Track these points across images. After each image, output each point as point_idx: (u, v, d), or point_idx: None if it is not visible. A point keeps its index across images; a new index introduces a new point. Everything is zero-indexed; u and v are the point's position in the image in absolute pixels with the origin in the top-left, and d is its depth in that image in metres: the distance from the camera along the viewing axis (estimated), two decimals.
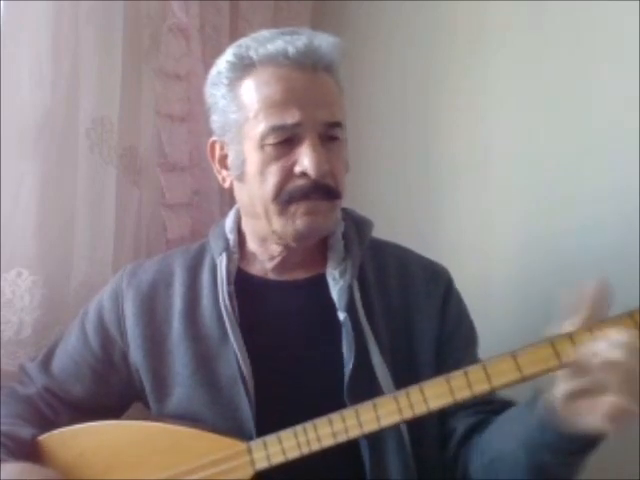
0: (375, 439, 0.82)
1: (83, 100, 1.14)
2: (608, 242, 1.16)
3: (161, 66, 1.26)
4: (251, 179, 0.85)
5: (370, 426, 0.72)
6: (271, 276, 0.93)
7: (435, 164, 1.42)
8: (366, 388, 0.81)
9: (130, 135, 1.23)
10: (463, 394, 0.69)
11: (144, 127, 1.26)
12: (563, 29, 1.23)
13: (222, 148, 0.91)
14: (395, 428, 0.82)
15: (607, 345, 0.63)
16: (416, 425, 0.83)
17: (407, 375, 0.85)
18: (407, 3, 1.45)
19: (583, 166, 1.20)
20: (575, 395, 0.65)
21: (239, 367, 0.84)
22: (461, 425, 0.87)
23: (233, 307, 0.88)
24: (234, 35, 1.36)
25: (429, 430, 0.87)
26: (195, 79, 1.29)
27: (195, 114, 1.30)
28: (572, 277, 1.21)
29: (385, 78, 1.50)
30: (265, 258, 0.92)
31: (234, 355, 0.85)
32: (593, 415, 0.63)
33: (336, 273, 0.89)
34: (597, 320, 0.66)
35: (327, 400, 0.79)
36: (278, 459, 0.76)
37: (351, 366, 0.83)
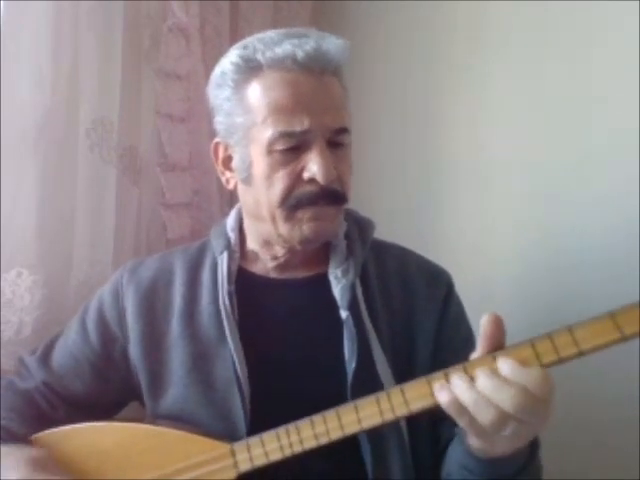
0: (376, 439, 0.82)
1: (83, 100, 1.14)
2: (609, 244, 1.16)
3: (161, 66, 1.26)
4: (258, 183, 0.85)
5: (351, 428, 0.72)
6: (272, 274, 0.93)
7: (435, 165, 1.42)
8: (369, 387, 0.80)
9: (130, 135, 1.23)
10: None
11: (144, 127, 1.26)
12: (563, 29, 1.23)
13: (226, 150, 0.90)
14: (396, 427, 0.82)
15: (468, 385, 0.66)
16: (414, 424, 0.84)
17: (406, 377, 0.85)
18: (407, 3, 1.45)
19: (583, 167, 1.20)
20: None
21: (235, 369, 0.84)
22: (445, 434, 0.87)
23: (233, 307, 0.88)
24: (234, 35, 1.37)
25: (425, 429, 0.87)
26: (195, 79, 1.29)
27: (195, 114, 1.30)
28: (573, 279, 1.21)
29: (385, 78, 1.50)
30: (267, 258, 0.92)
31: (231, 356, 0.85)
32: None
33: (338, 272, 0.88)
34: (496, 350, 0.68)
35: (327, 399, 0.79)
36: (261, 461, 0.76)
37: (354, 365, 0.83)
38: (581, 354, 0.65)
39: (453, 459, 0.80)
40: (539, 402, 0.64)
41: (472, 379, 0.66)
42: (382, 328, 0.88)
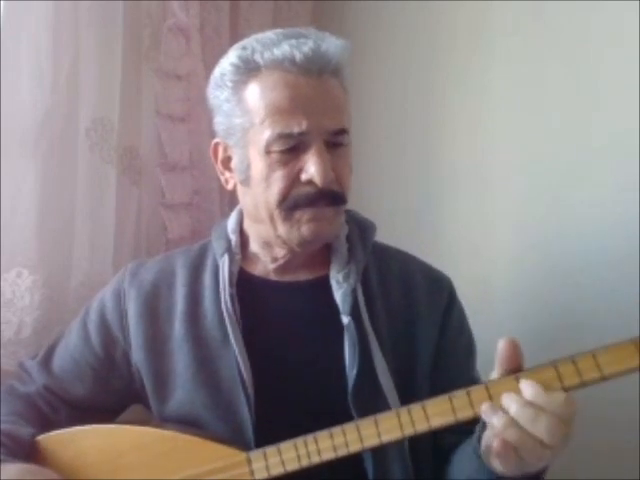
0: (377, 448, 0.82)
1: (83, 100, 1.14)
2: (608, 245, 1.17)
3: (161, 66, 1.26)
4: (256, 184, 0.85)
5: (371, 441, 0.72)
6: (273, 277, 0.93)
7: (435, 165, 1.42)
8: (369, 392, 0.81)
9: (130, 135, 1.23)
10: (465, 413, 0.69)
11: (144, 127, 1.26)
12: (563, 31, 1.23)
13: (226, 150, 0.90)
14: None
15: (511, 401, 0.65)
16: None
17: (406, 382, 0.85)
18: (407, 3, 1.45)
19: (583, 169, 1.21)
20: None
21: (239, 370, 0.84)
22: (445, 443, 0.87)
23: (235, 309, 0.87)
24: (234, 35, 1.37)
25: (425, 439, 0.86)
26: (195, 79, 1.29)
27: (195, 114, 1.30)
28: (572, 281, 1.21)
29: (385, 79, 1.50)
30: (268, 260, 0.92)
31: (235, 358, 0.85)
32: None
33: (340, 276, 0.88)
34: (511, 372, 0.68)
35: (328, 403, 0.79)
36: (277, 470, 0.76)
37: (355, 370, 0.83)
38: (603, 379, 0.65)
39: (463, 472, 0.80)
40: (566, 426, 0.64)
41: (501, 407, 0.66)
42: (383, 333, 0.87)
